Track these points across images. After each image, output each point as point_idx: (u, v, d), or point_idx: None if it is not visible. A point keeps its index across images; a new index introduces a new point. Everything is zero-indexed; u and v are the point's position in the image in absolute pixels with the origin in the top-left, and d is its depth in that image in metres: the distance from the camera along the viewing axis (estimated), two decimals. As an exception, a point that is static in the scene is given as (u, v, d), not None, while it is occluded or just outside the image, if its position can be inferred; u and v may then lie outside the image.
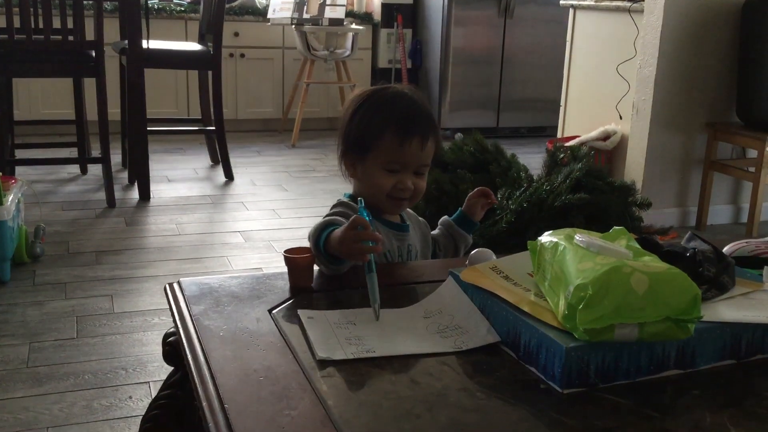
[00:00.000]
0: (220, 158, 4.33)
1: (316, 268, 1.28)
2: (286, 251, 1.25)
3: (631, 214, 2.92)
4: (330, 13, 5.35)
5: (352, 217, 1.20)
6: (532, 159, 4.15)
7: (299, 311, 1.11)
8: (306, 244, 1.30)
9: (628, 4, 3.82)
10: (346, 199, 1.46)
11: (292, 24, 5.35)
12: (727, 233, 3.63)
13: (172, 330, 1.19)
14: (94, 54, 3.56)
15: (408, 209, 1.56)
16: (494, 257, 1.24)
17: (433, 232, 1.59)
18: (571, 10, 4.28)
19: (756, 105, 3.47)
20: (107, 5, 4.77)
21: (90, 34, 3.56)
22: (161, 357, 1.23)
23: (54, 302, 2.55)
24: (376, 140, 1.39)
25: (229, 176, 4.30)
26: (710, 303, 1.05)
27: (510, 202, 2.78)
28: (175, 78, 5.31)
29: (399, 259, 1.46)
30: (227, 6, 4.90)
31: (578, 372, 0.92)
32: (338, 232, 1.22)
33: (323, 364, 0.97)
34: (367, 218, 1.19)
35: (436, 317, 1.11)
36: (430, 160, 1.45)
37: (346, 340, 1.03)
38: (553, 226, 1.12)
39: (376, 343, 1.02)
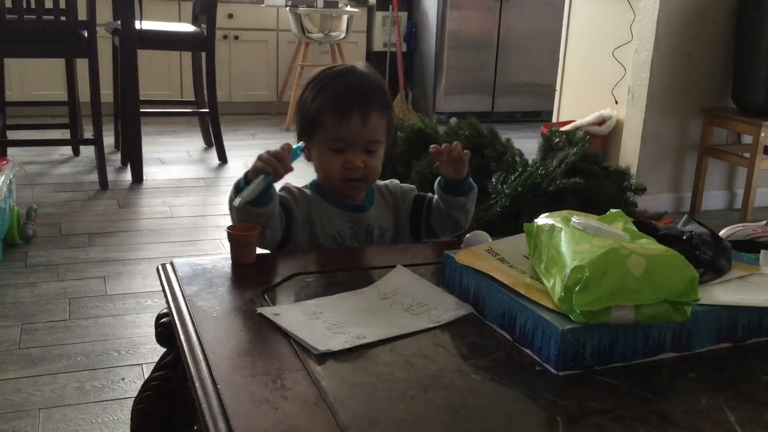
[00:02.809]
0: (214, 141, 4.30)
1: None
2: (229, 227, 1.25)
3: (626, 199, 2.91)
4: (325, -5, 5.31)
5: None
6: (527, 143, 4.13)
7: (261, 310, 1.05)
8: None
9: (625, -12, 3.80)
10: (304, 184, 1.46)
11: (286, 6, 5.31)
12: (722, 219, 3.62)
13: (164, 311, 1.19)
14: (86, 34, 3.52)
15: (391, 183, 1.51)
16: (490, 239, 1.24)
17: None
18: (567, -6, 4.26)
19: (751, 90, 3.47)
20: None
21: (82, 14, 3.52)
22: (154, 339, 1.22)
23: (46, 284, 2.54)
24: (318, 119, 1.37)
25: (223, 159, 4.28)
26: (707, 286, 1.04)
27: (505, 186, 2.77)
28: (168, 59, 5.27)
29: (354, 241, 1.43)
30: (221, -13, 4.85)
31: (574, 354, 0.92)
32: None
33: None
34: (299, 147, 1.29)
35: (394, 297, 1.11)
36: (382, 137, 1.39)
37: (329, 330, 1.00)
38: (548, 210, 1.12)
39: (361, 329, 1.00)
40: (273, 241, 1.34)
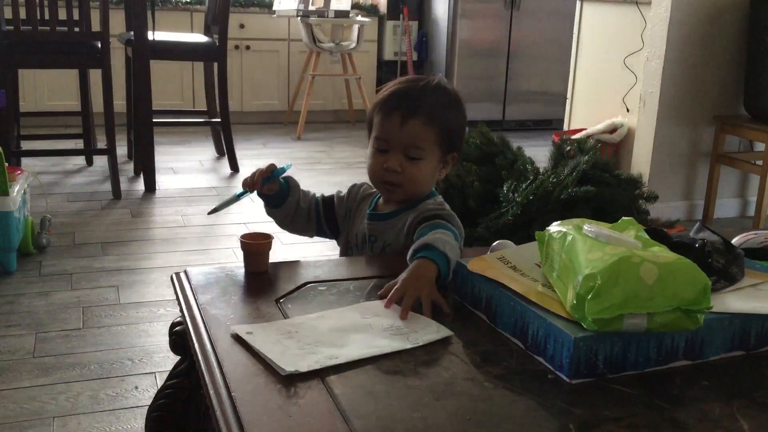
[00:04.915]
0: (226, 150, 4.33)
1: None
2: (242, 236, 1.27)
3: (638, 207, 2.90)
4: (336, 4, 5.33)
5: None
6: (538, 152, 4.13)
7: (235, 328, 1.03)
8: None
9: (636, -4, 3.80)
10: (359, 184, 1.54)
11: (297, 16, 5.33)
12: (734, 227, 3.61)
13: (178, 320, 1.19)
14: (99, 45, 3.55)
15: (432, 201, 1.43)
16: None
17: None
18: (578, 2, 4.26)
19: (764, 98, 3.45)
20: (113, -3, 4.76)
21: (96, 26, 3.55)
22: (167, 348, 1.23)
23: (60, 293, 2.56)
24: (371, 120, 1.42)
25: (235, 168, 4.30)
26: (719, 294, 1.04)
27: (516, 194, 2.77)
28: (180, 70, 5.31)
29: (362, 246, 1.44)
30: (233, -2, 4.89)
31: (586, 362, 0.92)
32: None
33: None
34: (283, 168, 1.42)
35: (374, 319, 1.08)
36: (427, 146, 1.36)
37: (301, 350, 0.97)
38: (559, 218, 1.12)
39: (334, 349, 0.98)
40: (302, 234, 1.53)
